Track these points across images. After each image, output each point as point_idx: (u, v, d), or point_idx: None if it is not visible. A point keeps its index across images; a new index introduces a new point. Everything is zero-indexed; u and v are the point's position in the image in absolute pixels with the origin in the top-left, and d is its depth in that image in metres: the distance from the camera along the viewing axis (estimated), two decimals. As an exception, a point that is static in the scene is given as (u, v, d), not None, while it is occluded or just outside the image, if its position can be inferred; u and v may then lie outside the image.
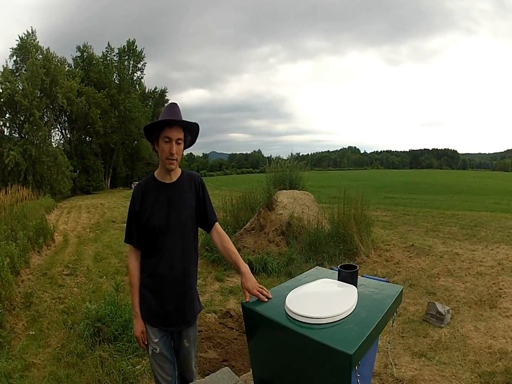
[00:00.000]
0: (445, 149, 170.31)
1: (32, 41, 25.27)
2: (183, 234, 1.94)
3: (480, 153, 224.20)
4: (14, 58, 25.37)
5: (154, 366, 1.99)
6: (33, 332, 3.91)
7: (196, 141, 2.00)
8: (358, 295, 1.68)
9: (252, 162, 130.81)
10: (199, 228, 2.07)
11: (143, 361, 3.18)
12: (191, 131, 1.94)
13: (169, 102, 1.99)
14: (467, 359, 3.11)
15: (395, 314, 1.85)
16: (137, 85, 37.94)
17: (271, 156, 8.60)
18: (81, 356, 3.28)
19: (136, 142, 37.37)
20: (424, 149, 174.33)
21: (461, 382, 2.78)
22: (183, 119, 1.88)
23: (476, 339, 3.43)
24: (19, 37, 24.96)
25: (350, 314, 1.54)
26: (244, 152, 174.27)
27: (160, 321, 1.94)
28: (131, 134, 34.72)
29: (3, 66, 23.85)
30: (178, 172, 1.99)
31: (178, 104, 1.88)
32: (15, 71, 24.92)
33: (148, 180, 1.99)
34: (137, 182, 2.72)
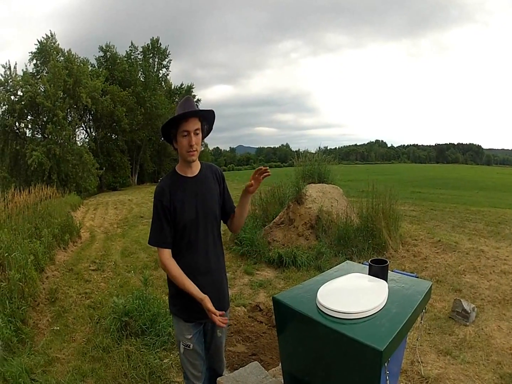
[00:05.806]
0: (470, 143, 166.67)
1: (52, 44, 25.60)
2: (212, 225, 1.97)
3: (503, 149, 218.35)
4: (34, 61, 25.78)
5: (185, 363, 2.00)
6: (58, 328, 3.89)
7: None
8: (388, 290, 1.66)
9: (280, 156, 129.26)
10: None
11: (171, 354, 3.20)
12: (207, 119, 1.91)
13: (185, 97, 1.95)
14: (490, 359, 3.06)
15: (424, 310, 1.82)
16: (162, 82, 37.70)
17: (299, 150, 8.53)
18: (107, 350, 3.28)
19: (163, 139, 37.26)
20: (449, 143, 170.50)
21: (483, 383, 2.75)
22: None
23: (499, 339, 3.38)
24: (38, 41, 25.29)
25: (381, 310, 1.53)
26: (272, 146, 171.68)
27: (198, 314, 1.88)
28: (158, 130, 34.08)
29: (22, 70, 24.24)
30: (198, 164, 1.99)
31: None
32: (35, 74, 25.25)
33: (172, 176, 1.95)
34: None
